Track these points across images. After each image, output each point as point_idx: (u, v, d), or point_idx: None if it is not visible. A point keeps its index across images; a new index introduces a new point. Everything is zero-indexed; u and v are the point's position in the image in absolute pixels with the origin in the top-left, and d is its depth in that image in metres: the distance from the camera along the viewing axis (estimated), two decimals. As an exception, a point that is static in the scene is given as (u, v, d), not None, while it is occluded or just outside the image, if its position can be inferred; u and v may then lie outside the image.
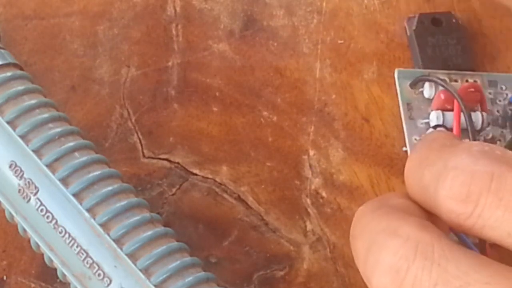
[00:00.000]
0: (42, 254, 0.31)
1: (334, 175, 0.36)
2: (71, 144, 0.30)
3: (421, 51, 0.37)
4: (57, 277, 0.30)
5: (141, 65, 0.37)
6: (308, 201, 0.35)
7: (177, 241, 0.30)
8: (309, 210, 0.35)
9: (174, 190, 0.35)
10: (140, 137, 0.36)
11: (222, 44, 0.38)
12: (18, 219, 0.30)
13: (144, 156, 0.35)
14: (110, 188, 0.30)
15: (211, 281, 0.29)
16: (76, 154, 0.30)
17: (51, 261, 0.30)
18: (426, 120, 0.36)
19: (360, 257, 0.25)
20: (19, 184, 0.30)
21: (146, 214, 0.30)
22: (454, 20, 0.38)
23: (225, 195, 0.35)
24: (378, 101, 0.37)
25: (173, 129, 0.36)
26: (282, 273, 0.34)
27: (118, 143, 0.35)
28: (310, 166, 0.36)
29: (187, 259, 0.29)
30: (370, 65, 0.38)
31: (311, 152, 0.36)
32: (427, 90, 0.36)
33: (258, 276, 0.33)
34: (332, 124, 0.37)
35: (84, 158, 0.30)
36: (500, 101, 0.37)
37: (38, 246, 0.30)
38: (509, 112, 0.36)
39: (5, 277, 0.33)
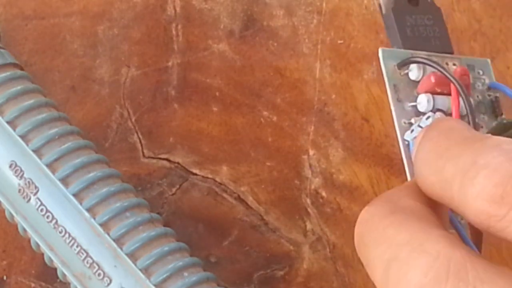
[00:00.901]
0: (42, 254, 0.31)
1: (334, 175, 0.36)
2: (71, 144, 0.30)
3: (400, 31, 0.36)
4: (57, 277, 0.30)
5: (141, 65, 0.37)
6: (308, 201, 0.35)
7: (177, 241, 0.30)
8: (309, 210, 0.35)
9: (174, 190, 0.35)
10: (140, 137, 0.36)
11: (222, 44, 0.38)
12: (18, 219, 0.30)
13: (144, 156, 0.35)
14: (110, 188, 0.30)
15: (211, 281, 0.29)
16: (76, 154, 0.30)
17: (51, 261, 0.30)
18: (413, 103, 0.34)
19: (376, 270, 0.23)
20: (19, 184, 0.30)
21: (146, 214, 0.30)
22: (429, 0, 0.37)
23: (225, 195, 0.35)
24: (378, 101, 0.37)
25: (173, 129, 0.36)
26: (282, 273, 0.34)
27: (118, 143, 0.36)
28: (310, 166, 0.36)
29: (187, 259, 0.29)
30: (370, 65, 0.38)
31: (311, 152, 0.36)
32: (415, 71, 0.34)
33: (258, 276, 0.33)
34: (332, 124, 0.37)
35: (84, 158, 0.30)
36: (478, 86, 0.36)
37: (38, 246, 0.30)
38: (488, 97, 0.36)
39: (5, 277, 0.33)
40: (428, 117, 0.33)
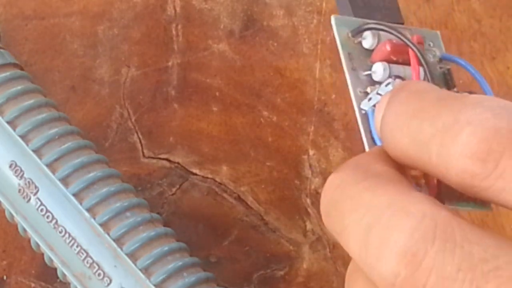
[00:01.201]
0: (42, 254, 0.31)
1: (334, 175, 0.36)
2: (71, 144, 0.30)
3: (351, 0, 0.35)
4: (57, 277, 0.30)
5: (141, 65, 0.37)
6: (308, 201, 0.35)
7: (177, 241, 0.30)
8: (309, 210, 0.35)
9: (174, 190, 0.35)
10: (140, 137, 0.36)
11: (222, 44, 0.38)
12: (18, 219, 0.30)
13: (144, 156, 0.35)
14: (110, 188, 0.30)
15: (211, 281, 0.29)
16: (76, 154, 0.30)
17: (51, 261, 0.30)
18: (368, 72, 0.33)
19: (353, 236, 0.22)
20: (19, 184, 0.30)
21: (146, 214, 0.30)
22: None
23: (225, 195, 0.35)
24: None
25: (173, 129, 0.36)
26: (282, 273, 0.34)
27: (118, 143, 0.36)
28: (310, 166, 0.36)
29: (187, 259, 0.29)
30: (370, 65, 0.38)
31: (311, 152, 0.36)
32: (369, 39, 0.33)
33: (258, 276, 0.33)
34: (332, 124, 0.37)
35: (84, 158, 0.30)
36: (430, 58, 0.35)
37: (38, 246, 0.30)
38: (439, 70, 0.35)
39: (5, 277, 0.33)
40: (388, 84, 0.31)
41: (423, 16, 0.40)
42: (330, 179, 0.24)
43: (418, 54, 0.31)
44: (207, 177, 0.35)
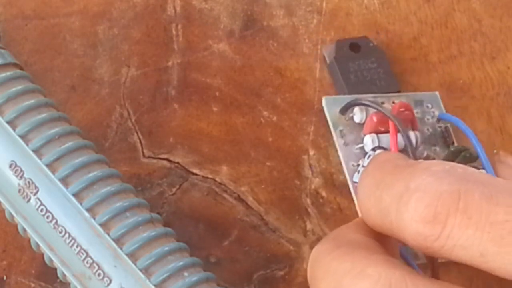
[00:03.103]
0: (42, 254, 0.31)
1: (334, 175, 0.36)
2: (71, 144, 0.30)
3: (344, 77, 0.37)
4: (57, 277, 0.30)
5: (141, 65, 0.37)
6: (308, 201, 0.35)
7: (177, 241, 0.30)
8: (309, 210, 0.35)
9: (174, 190, 0.35)
10: (140, 137, 0.36)
11: (222, 44, 0.38)
12: (18, 219, 0.30)
13: (144, 156, 0.35)
14: (110, 188, 0.30)
15: (211, 281, 0.29)
16: (76, 154, 0.30)
17: (51, 261, 0.30)
18: (361, 145, 0.35)
19: None
20: (19, 184, 0.30)
21: (146, 214, 0.30)
22: (371, 44, 0.38)
23: (225, 195, 0.35)
24: (378, 101, 0.37)
25: (173, 129, 0.36)
26: (282, 273, 0.34)
27: (118, 143, 0.36)
28: (310, 166, 0.36)
29: (187, 259, 0.29)
30: (370, 65, 0.38)
31: (311, 152, 0.36)
32: (358, 114, 0.35)
33: (258, 276, 0.33)
34: (332, 124, 0.37)
35: (84, 158, 0.30)
36: (428, 119, 0.36)
37: (38, 246, 0.30)
38: (438, 129, 0.36)
39: (5, 277, 0.33)
40: (369, 156, 0.34)
41: (423, 16, 0.40)
42: (312, 252, 0.27)
43: (395, 122, 0.32)
44: (207, 177, 0.35)
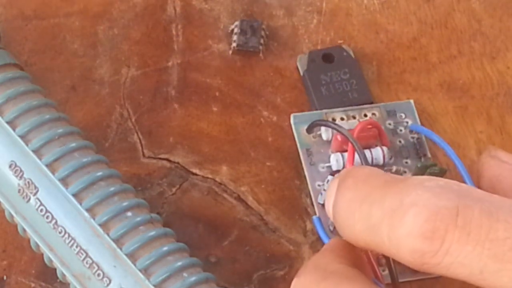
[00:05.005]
0: (42, 254, 0.31)
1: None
2: (71, 144, 0.30)
3: (315, 91, 0.36)
4: (57, 277, 0.30)
5: (141, 65, 0.37)
6: (308, 201, 0.35)
7: (177, 241, 0.30)
8: (309, 210, 0.35)
9: (174, 190, 0.35)
10: (140, 137, 0.36)
11: (222, 44, 0.38)
12: (18, 219, 0.30)
13: (144, 156, 0.35)
14: (110, 188, 0.30)
15: (211, 281, 0.29)
16: (76, 154, 0.30)
17: (51, 261, 0.30)
18: (328, 164, 0.35)
19: None
20: (19, 184, 0.30)
21: (146, 214, 0.30)
22: (345, 53, 0.37)
23: (225, 195, 0.35)
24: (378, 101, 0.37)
25: (173, 129, 0.36)
26: (282, 273, 0.34)
27: (118, 143, 0.36)
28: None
29: (187, 259, 0.29)
30: (370, 64, 0.38)
31: (311, 152, 0.36)
32: (324, 133, 0.35)
33: (258, 276, 0.33)
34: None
35: (84, 158, 0.30)
36: (401, 130, 0.36)
37: (38, 246, 0.30)
38: (411, 140, 0.36)
39: (5, 277, 0.33)
40: (328, 181, 0.33)
41: (423, 16, 0.40)
42: (293, 283, 0.26)
43: (353, 143, 0.32)
44: (207, 177, 0.35)
